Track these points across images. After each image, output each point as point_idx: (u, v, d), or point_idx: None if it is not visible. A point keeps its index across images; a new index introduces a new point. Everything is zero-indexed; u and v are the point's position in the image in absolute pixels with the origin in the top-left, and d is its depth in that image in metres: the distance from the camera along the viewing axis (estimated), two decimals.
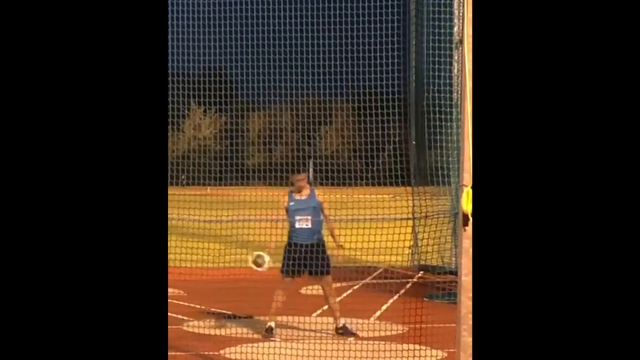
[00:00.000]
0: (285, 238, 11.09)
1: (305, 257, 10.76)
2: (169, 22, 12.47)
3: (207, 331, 10.71)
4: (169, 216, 10.11)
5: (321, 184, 11.99)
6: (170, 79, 12.36)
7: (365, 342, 10.08)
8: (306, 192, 11.07)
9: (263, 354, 9.47)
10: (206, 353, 9.75)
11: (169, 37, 12.46)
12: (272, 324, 10.95)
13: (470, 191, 5.98)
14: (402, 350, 9.20)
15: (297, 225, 10.93)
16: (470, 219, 6.03)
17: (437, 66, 14.50)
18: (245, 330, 11.01)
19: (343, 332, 10.84)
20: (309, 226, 10.92)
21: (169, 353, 9.31)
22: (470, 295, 5.88)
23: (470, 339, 5.88)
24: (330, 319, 11.12)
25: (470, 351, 6.03)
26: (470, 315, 5.92)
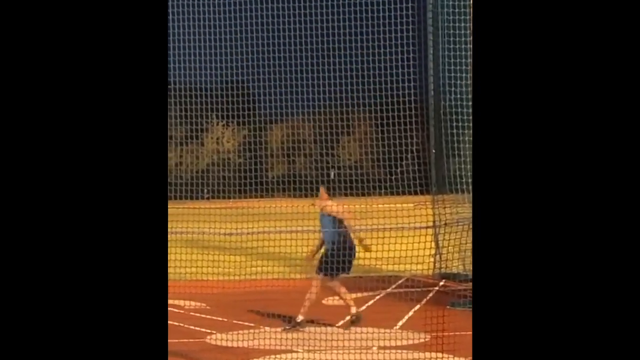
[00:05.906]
0: (306, 248, 11.24)
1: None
2: (189, 37, 12.58)
3: (230, 343, 10.75)
4: (190, 230, 10.22)
5: (343, 195, 12.02)
6: (191, 93, 12.46)
7: (388, 350, 10.09)
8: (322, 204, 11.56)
9: None
10: None
11: (188, 52, 12.57)
12: (301, 317, 11.33)
13: None
14: (425, 359, 9.22)
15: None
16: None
17: (454, 75, 14.52)
18: (268, 341, 11.04)
19: (354, 319, 11.10)
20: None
21: None
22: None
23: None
24: (353, 329, 11.17)
25: None
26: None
